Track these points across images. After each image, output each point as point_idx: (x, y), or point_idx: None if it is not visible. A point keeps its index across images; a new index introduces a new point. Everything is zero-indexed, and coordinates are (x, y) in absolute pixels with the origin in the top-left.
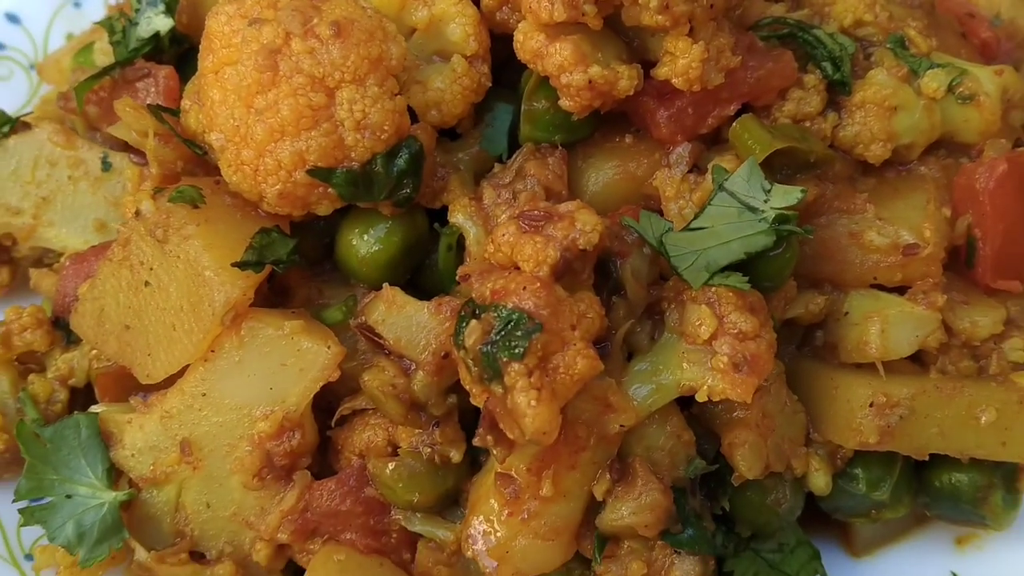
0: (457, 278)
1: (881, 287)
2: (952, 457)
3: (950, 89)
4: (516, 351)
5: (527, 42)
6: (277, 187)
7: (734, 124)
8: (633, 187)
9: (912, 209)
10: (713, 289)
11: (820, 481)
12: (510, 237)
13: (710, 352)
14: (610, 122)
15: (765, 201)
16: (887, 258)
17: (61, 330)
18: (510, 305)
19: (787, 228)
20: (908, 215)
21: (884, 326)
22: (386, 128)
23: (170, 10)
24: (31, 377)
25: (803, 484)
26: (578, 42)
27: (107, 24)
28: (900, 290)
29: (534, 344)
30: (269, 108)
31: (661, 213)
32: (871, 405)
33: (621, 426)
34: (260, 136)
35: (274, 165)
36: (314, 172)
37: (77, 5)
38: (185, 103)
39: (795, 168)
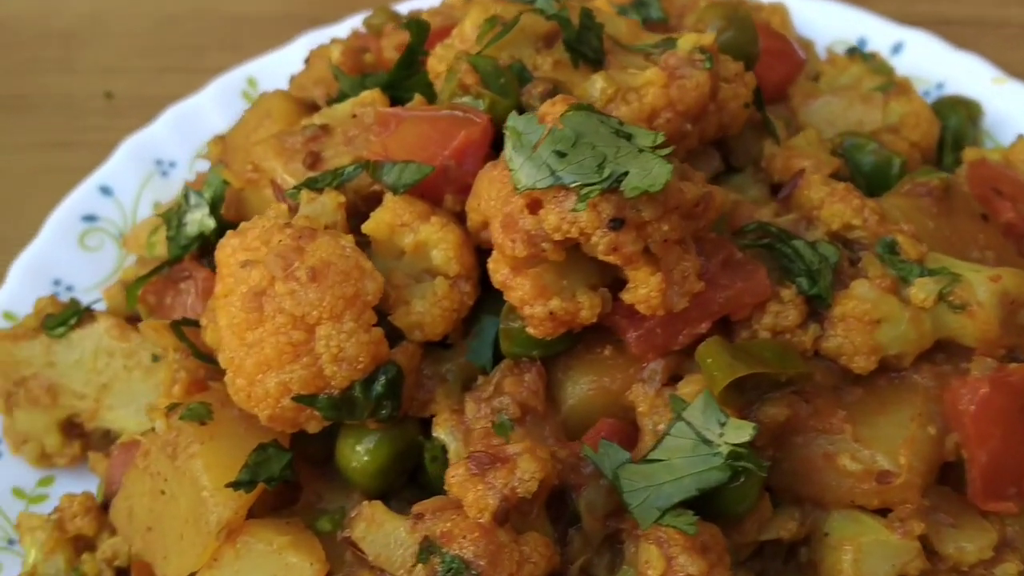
0: (411, 514)
1: (864, 508)
2: None
3: (941, 297)
4: None
5: (495, 274)
6: (267, 411)
7: (699, 347)
8: (609, 400)
9: (894, 427)
10: (663, 528)
11: None
12: (459, 479)
13: None
14: (594, 333)
15: (720, 435)
16: (862, 484)
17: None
18: (453, 551)
19: (741, 464)
20: (888, 434)
21: (857, 555)
22: (361, 359)
23: (214, 210)
24: (84, 556)
25: None
26: (539, 275)
27: (166, 217)
28: (886, 511)
29: None
30: (256, 344)
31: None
32: None
33: None
34: (250, 368)
35: (263, 393)
36: (299, 399)
37: (164, 175)
38: (203, 320)
39: (767, 387)
